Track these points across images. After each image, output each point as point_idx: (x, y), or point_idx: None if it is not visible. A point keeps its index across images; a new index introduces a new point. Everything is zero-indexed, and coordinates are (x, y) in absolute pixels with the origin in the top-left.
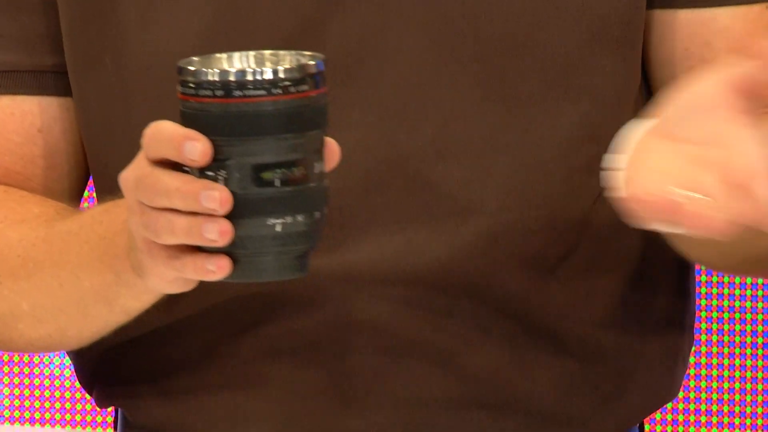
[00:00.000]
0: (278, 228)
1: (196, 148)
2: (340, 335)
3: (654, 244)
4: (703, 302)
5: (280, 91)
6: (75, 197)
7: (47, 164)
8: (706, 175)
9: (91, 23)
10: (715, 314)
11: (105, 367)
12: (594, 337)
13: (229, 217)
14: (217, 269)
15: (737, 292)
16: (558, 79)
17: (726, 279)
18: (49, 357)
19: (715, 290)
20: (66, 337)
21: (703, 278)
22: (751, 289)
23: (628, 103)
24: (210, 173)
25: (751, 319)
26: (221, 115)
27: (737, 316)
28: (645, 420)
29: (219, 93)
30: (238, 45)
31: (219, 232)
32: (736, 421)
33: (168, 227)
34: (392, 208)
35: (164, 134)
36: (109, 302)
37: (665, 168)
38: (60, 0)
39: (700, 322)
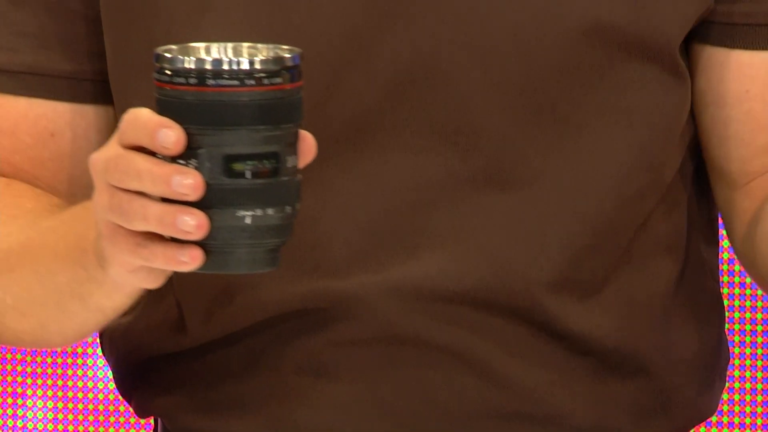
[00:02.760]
0: (248, 220)
1: (170, 135)
2: (384, 350)
3: (692, 268)
4: (736, 315)
5: (254, 82)
6: (81, 201)
7: (56, 168)
8: None
9: (136, 36)
10: (747, 338)
11: (145, 376)
12: (636, 356)
13: (199, 207)
14: (190, 260)
15: None
16: (609, 106)
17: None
18: (88, 365)
19: (748, 314)
20: (48, 333)
21: (736, 302)
22: None
23: (678, 133)
24: (181, 161)
25: None
26: (195, 103)
27: None
28: None
29: (193, 81)
30: None
31: (196, 226)
32: None
33: (140, 212)
34: (440, 229)
35: (140, 121)
36: (83, 299)
37: None
38: (104, 11)
39: (733, 334)
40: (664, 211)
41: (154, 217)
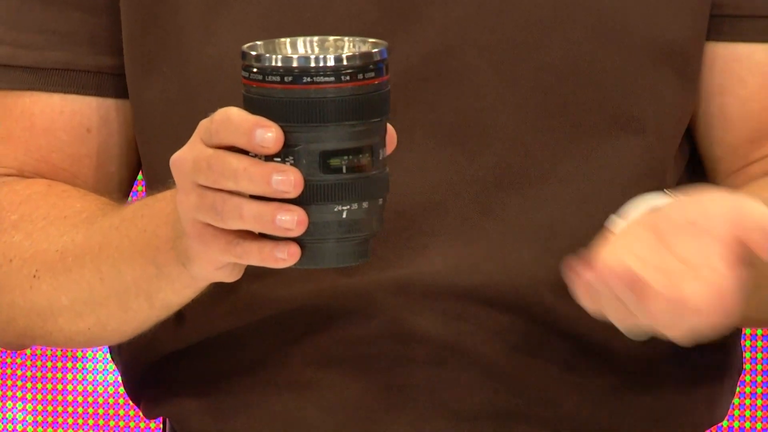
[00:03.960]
0: (344, 214)
1: (269, 134)
2: (393, 346)
3: None
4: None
5: (348, 77)
6: (121, 197)
7: (94, 164)
8: (663, 283)
9: (150, 30)
10: (759, 342)
11: (154, 376)
12: (645, 357)
13: (295, 203)
14: (288, 256)
15: None
16: (620, 110)
17: None
18: (96, 368)
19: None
20: (106, 331)
21: None
22: None
23: (681, 133)
24: (277, 159)
25: None
26: (287, 101)
27: None
28: None
29: (286, 79)
30: None
31: (297, 222)
32: None
33: (236, 212)
34: (447, 228)
35: (233, 121)
36: (150, 296)
37: (638, 256)
38: (122, 5)
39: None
40: None
41: (251, 216)
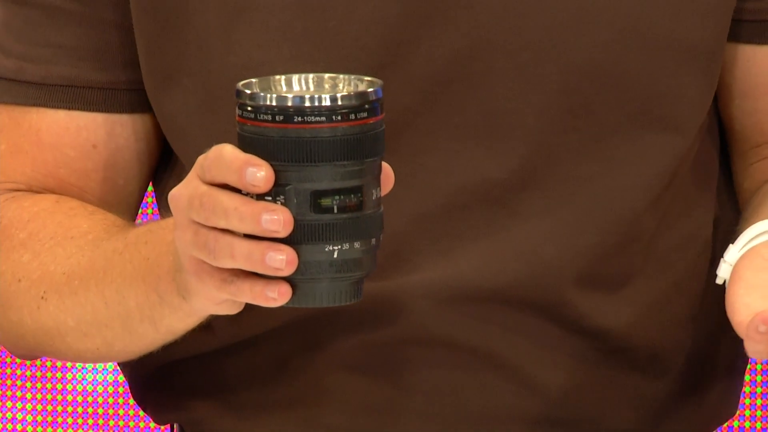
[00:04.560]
0: (336, 254)
1: (259, 174)
2: (415, 351)
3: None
4: None
5: (340, 117)
6: (130, 210)
7: (102, 178)
8: None
9: (169, 43)
10: None
11: (164, 381)
12: (664, 355)
13: (286, 242)
14: (279, 296)
15: None
16: (643, 111)
17: None
18: (102, 374)
19: None
20: (113, 351)
21: None
22: None
23: (705, 133)
24: (268, 198)
25: None
26: (279, 140)
27: None
28: None
29: (278, 118)
30: (326, 65)
31: (286, 262)
32: None
33: (227, 250)
34: (473, 230)
35: (224, 159)
36: (154, 322)
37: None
38: (136, 20)
39: None
40: (681, 207)
41: (241, 255)
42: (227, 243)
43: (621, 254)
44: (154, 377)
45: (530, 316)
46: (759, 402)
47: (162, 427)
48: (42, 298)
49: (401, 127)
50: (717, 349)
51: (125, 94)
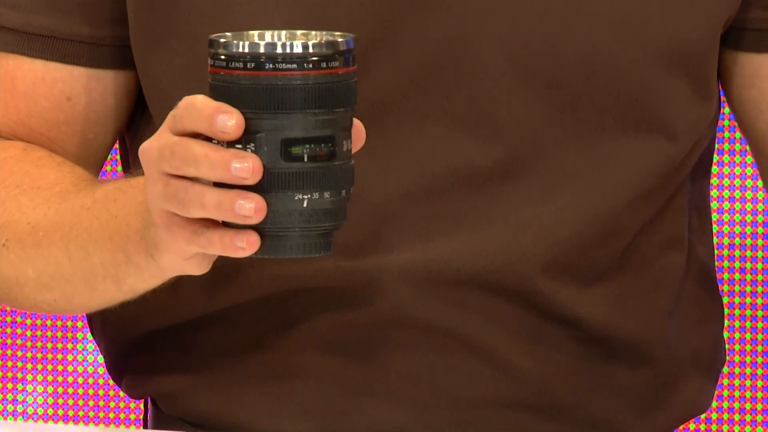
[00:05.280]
0: (305, 204)
1: (229, 121)
2: (391, 332)
3: (694, 269)
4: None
5: (311, 65)
6: (96, 164)
7: (72, 131)
8: None
9: (159, 4)
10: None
11: (139, 355)
12: (640, 347)
13: (256, 191)
14: (247, 245)
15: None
16: (632, 110)
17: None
18: (77, 350)
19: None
20: (71, 305)
21: (736, 300)
22: None
23: (698, 136)
24: (238, 146)
25: None
26: (252, 87)
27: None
28: (679, 430)
29: (250, 65)
30: None
31: (255, 210)
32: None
33: (197, 199)
34: (453, 214)
35: (196, 107)
36: (117, 280)
37: None
38: None
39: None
40: (670, 210)
41: (211, 204)
42: (197, 192)
43: (597, 248)
44: (128, 352)
45: (506, 302)
46: (737, 394)
47: (136, 403)
48: (3, 245)
49: (389, 107)
50: (693, 343)
51: (109, 50)
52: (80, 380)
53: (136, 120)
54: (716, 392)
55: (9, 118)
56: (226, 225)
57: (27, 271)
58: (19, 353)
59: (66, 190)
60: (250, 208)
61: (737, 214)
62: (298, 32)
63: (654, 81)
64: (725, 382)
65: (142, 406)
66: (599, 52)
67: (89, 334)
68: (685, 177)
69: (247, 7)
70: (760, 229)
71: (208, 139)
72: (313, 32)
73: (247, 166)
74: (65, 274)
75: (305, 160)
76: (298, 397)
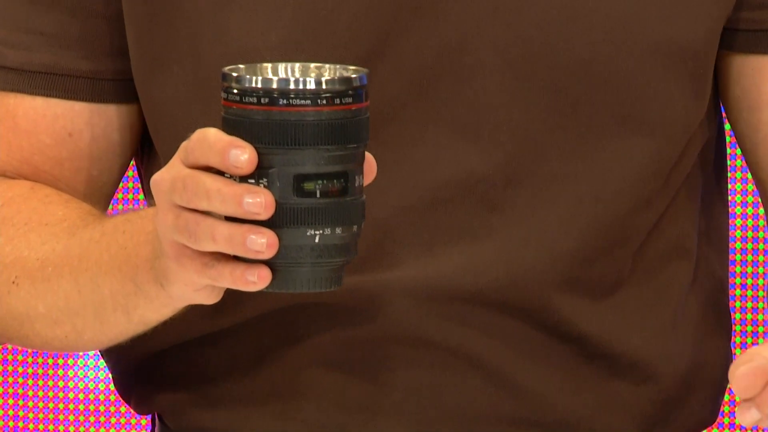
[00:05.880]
0: (317, 239)
1: (242, 155)
2: (395, 349)
3: (703, 278)
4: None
5: (324, 101)
6: (103, 201)
7: (76, 167)
8: None
9: (159, 31)
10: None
11: (146, 372)
12: (645, 363)
13: (268, 226)
14: (258, 279)
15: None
16: (631, 113)
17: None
18: (87, 363)
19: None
20: (82, 340)
21: (737, 316)
22: None
23: (694, 138)
24: (251, 181)
25: None
26: (264, 123)
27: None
28: None
29: (263, 101)
30: (315, 53)
31: (267, 245)
32: None
33: (208, 233)
34: (456, 226)
35: (208, 141)
36: (128, 312)
37: None
38: (126, 6)
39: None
40: (671, 216)
41: (222, 237)
42: (208, 225)
43: (603, 260)
44: (136, 368)
45: (511, 319)
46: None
47: (143, 422)
48: (13, 282)
49: (388, 118)
50: (698, 356)
51: (110, 84)
52: (91, 396)
53: (146, 150)
54: (723, 405)
55: (13, 157)
56: (236, 258)
57: (37, 307)
58: (26, 369)
59: (74, 225)
60: (262, 243)
61: (749, 219)
62: (312, 65)
63: (653, 84)
64: (727, 397)
65: (149, 421)
66: (597, 58)
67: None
68: (683, 179)
69: (245, 25)
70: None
71: (220, 172)
72: (327, 66)
73: (259, 201)
74: (75, 308)
75: (318, 195)
76: (303, 414)
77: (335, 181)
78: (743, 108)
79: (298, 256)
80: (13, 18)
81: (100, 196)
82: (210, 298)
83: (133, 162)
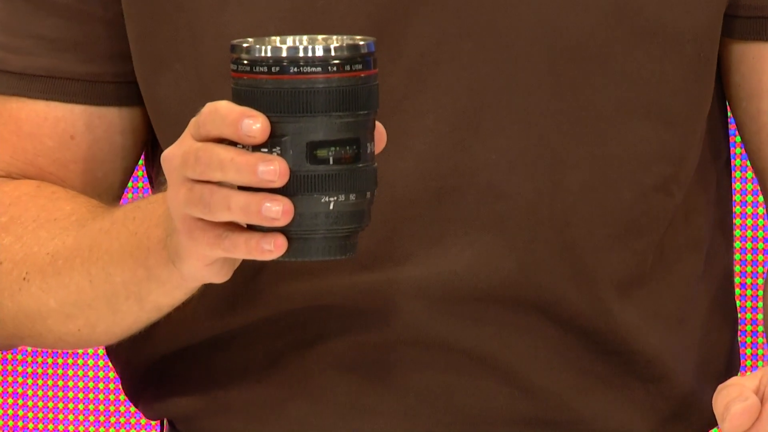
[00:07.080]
0: (331, 206)
1: (255, 124)
2: (407, 352)
3: (712, 273)
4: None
5: (335, 68)
6: (110, 202)
7: (80, 169)
8: None
9: (160, 29)
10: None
11: (156, 376)
12: (660, 360)
13: (282, 194)
14: (275, 248)
15: None
16: (630, 95)
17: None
18: (97, 364)
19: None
20: (96, 333)
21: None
22: None
23: (700, 123)
24: (264, 150)
25: None
26: (275, 91)
27: None
28: None
29: (274, 69)
30: None
31: (282, 212)
32: None
33: (224, 203)
34: (464, 218)
35: (220, 112)
36: (140, 298)
37: None
38: (127, 7)
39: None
40: (685, 210)
41: (238, 207)
42: (223, 195)
43: (620, 252)
44: (145, 373)
45: (525, 317)
46: None
47: (153, 423)
48: (24, 279)
49: (389, 108)
50: (705, 351)
51: (111, 87)
52: (100, 396)
53: (155, 151)
54: None
55: (17, 159)
56: (251, 229)
57: (49, 302)
58: (35, 370)
59: (83, 218)
60: (278, 210)
61: (749, 219)
62: (319, 37)
63: (650, 67)
64: None
65: (159, 426)
66: (595, 41)
67: (105, 354)
68: (693, 170)
69: (244, 19)
70: None
71: (232, 144)
72: (334, 37)
73: (273, 168)
74: (87, 300)
75: (330, 162)
76: (316, 417)
77: (348, 147)
78: (743, 96)
79: (312, 224)
80: (15, 23)
81: (107, 198)
82: (221, 275)
83: (142, 162)
